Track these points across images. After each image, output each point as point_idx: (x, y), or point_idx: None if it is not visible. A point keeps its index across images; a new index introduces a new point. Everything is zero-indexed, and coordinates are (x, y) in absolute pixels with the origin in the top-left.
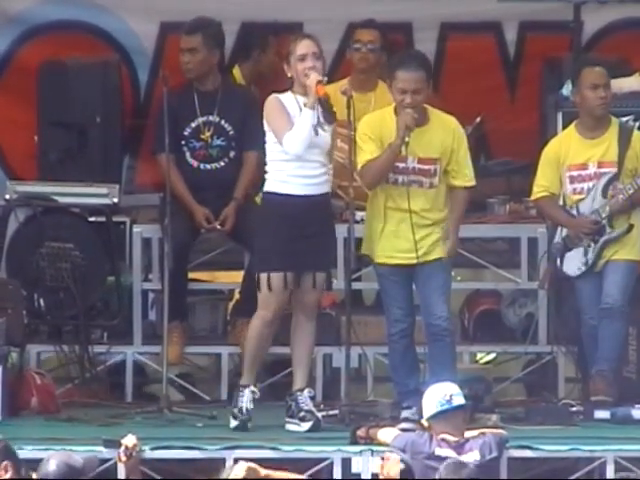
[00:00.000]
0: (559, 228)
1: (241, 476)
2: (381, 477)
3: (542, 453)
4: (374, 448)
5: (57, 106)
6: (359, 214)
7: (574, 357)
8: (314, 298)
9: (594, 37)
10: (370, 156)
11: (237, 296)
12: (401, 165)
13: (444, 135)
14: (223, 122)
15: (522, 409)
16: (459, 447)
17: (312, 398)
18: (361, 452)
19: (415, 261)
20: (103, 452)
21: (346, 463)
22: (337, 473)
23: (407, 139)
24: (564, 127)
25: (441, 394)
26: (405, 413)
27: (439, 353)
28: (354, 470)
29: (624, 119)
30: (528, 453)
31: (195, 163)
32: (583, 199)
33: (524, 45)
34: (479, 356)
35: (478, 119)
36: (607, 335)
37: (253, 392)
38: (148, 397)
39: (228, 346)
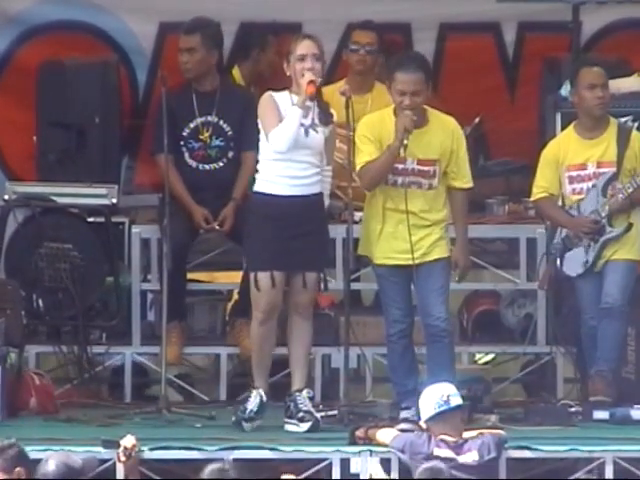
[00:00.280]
0: (559, 229)
1: None
2: None
3: (541, 453)
4: (373, 449)
5: (56, 106)
6: (358, 214)
7: (573, 357)
8: (306, 298)
9: (593, 37)
10: (369, 157)
11: (236, 296)
12: (400, 166)
13: (443, 136)
14: (222, 122)
15: (521, 409)
16: (458, 447)
17: (311, 399)
18: (360, 453)
19: (413, 262)
20: (102, 452)
21: (345, 464)
22: (336, 473)
23: (405, 141)
24: (563, 127)
25: (438, 395)
26: (404, 414)
27: (438, 354)
28: (353, 470)
29: (623, 119)
30: (527, 453)
31: (194, 163)
32: (582, 199)
33: (523, 45)
34: (478, 356)
35: (477, 119)
36: (607, 335)
37: (261, 396)
38: (149, 398)
39: (227, 346)
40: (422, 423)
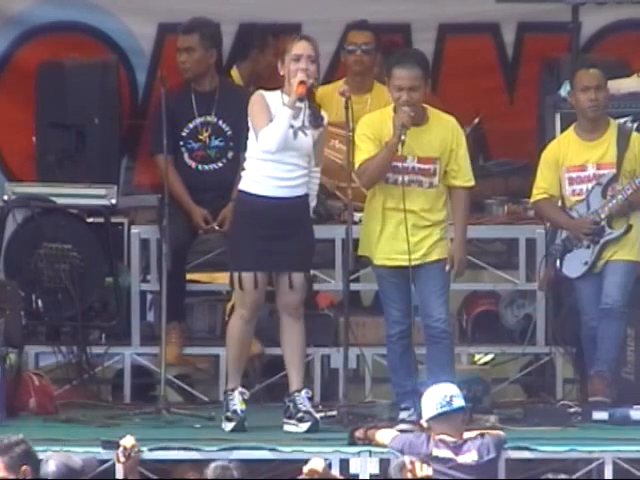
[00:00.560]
0: (559, 230)
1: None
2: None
3: (540, 454)
4: (372, 449)
5: (55, 107)
6: (357, 215)
7: (572, 358)
8: (294, 299)
9: (592, 38)
10: (367, 155)
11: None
12: (400, 165)
13: (444, 134)
14: (221, 123)
15: (520, 410)
16: (457, 448)
17: (310, 399)
18: (359, 453)
19: (414, 263)
20: (101, 453)
21: (344, 464)
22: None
23: (403, 137)
24: (562, 128)
25: (441, 395)
26: (403, 414)
27: (438, 355)
28: (352, 471)
29: (623, 120)
30: (526, 454)
31: (193, 164)
32: (582, 200)
33: (522, 46)
34: (477, 357)
35: (476, 120)
36: (606, 336)
37: (242, 393)
38: (153, 399)
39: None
40: (423, 422)
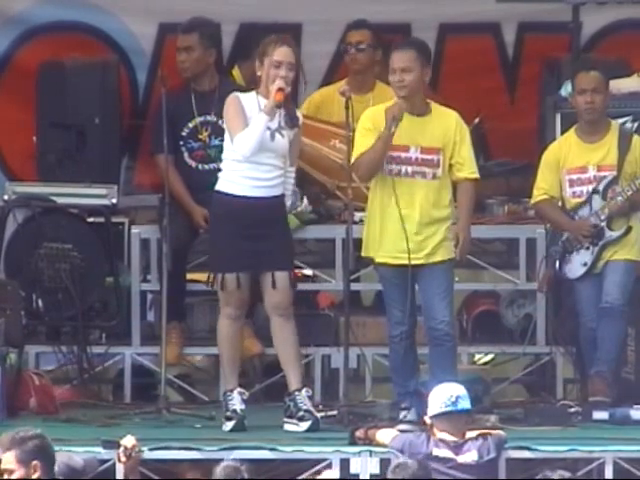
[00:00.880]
0: (561, 233)
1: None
2: None
3: (540, 454)
4: (372, 449)
5: (56, 107)
6: (358, 215)
7: (572, 358)
8: (281, 298)
9: (593, 38)
10: (363, 149)
11: None
12: (404, 155)
13: (446, 126)
14: (221, 122)
15: (521, 410)
16: (457, 448)
17: (310, 397)
18: (360, 453)
19: (417, 262)
20: (102, 453)
21: (345, 464)
22: (336, 474)
23: (394, 129)
24: (563, 128)
25: (447, 395)
26: (403, 414)
27: (440, 357)
28: (353, 471)
29: (623, 120)
30: (526, 454)
31: (193, 163)
32: (583, 202)
33: (523, 46)
34: (477, 357)
35: (477, 120)
36: (606, 335)
37: (241, 393)
38: (154, 398)
39: None
40: (427, 418)
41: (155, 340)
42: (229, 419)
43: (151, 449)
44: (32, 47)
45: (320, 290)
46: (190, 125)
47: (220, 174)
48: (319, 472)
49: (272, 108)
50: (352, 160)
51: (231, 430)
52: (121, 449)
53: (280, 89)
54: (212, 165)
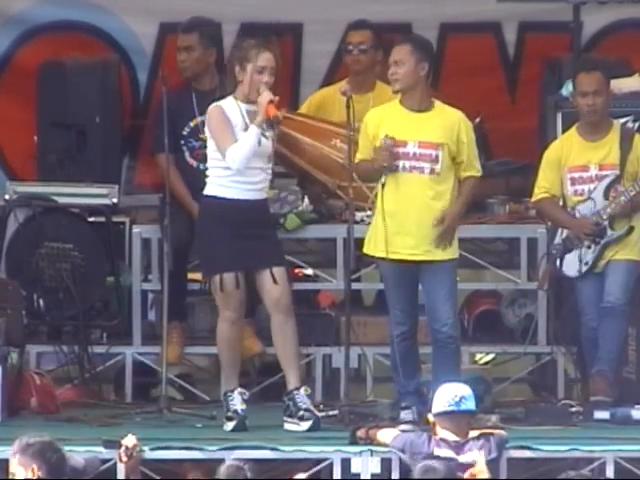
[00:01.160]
0: (559, 229)
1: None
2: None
3: (541, 453)
4: (374, 448)
5: (57, 106)
6: (359, 214)
7: (573, 358)
8: (281, 294)
9: (594, 37)
10: (361, 156)
11: None
12: (402, 150)
13: (448, 123)
14: None
15: (522, 409)
16: (458, 447)
17: (309, 396)
18: (361, 452)
19: (419, 258)
20: (103, 452)
21: (346, 463)
22: (337, 473)
23: (383, 180)
24: (563, 128)
25: (452, 394)
26: (403, 414)
27: (443, 359)
28: (354, 470)
29: (623, 119)
30: (528, 453)
31: (194, 163)
32: (584, 201)
33: (524, 46)
34: (478, 356)
35: (478, 119)
36: (608, 334)
37: (242, 393)
38: (152, 398)
39: None
40: (430, 415)
41: (156, 340)
42: (230, 419)
43: (152, 449)
44: (33, 47)
45: (321, 290)
46: (191, 124)
47: (208, 179)
48: (320, 472)
49: (264, 121)
50: (355, 161)
51: (232, 430)
52: (122, 449)
53: (271, 101)
54: None
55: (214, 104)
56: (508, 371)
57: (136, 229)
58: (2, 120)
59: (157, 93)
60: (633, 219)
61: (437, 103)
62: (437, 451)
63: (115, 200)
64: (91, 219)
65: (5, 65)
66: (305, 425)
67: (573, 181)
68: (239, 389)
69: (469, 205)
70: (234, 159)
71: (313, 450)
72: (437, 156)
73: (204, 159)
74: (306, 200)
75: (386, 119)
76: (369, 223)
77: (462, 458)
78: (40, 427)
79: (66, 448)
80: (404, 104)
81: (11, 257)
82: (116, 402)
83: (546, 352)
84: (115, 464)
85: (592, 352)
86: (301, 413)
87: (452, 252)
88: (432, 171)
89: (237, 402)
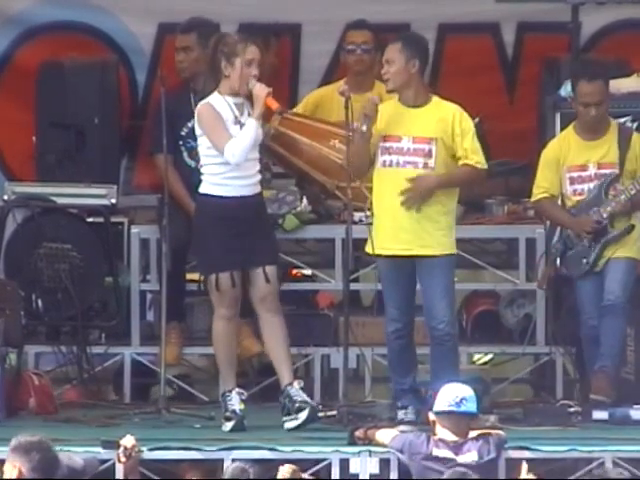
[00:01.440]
0: (558, 228)
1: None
2: None
3: (540, 454)
4: (372, 449)
5: (55, 107)
6: (357, 215)
7: (572, 358)
8: (271, 292)
9: (592, 38)
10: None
11: None
12: (396, 145)
13: (442, 116)
14: None
15: (520, 410)
16: (457, 448)
17: (302, 389)
18: (359, 453)
19: (413, 252)
20: (101, 453)
21: (344, 464)
22: (335, 474)
23: (364, 127)
24: (562, 128)
25: (453, 395)
26: (401, 414)
27: (441, 357)
28: (352, 471)
29: (622, 120)
30: (526, 454)
31: (193, 163)
32: (584, 200)
33: (522, 46)
34: (476, 357)
35: (476, 120)
36: (609, 332)
37: (240, 393)
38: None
39: None
40: (430, 414)
41: (155, 340)
42: (228, 419)
43: (151, 449)
44: (32, 47)
45: (319, 290)
46: (189, 125)
47: (202, 177)
48: (318, 472)
49: (261, 114)
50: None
51: (231, 430)
52: (121, 449)
53: (269, 93)
54: None
55: (202, 102)
56: (507, 371)
57: (134, 229)
58: (1, 120)
59: (156, 93)
60: (633, 217)
61: (434, 98)
62: (436, 451)
63: (114, 200)
64: (90, 219)
65: (4, 65)
66: (303, 415)
67: (572, 180)
68: (237, 389)
69: (451, 183)
70: (234, 153)
71: (311, 450)
72: (430, 150)
73: None
74: (304, 200)
75: (383, 114)
76: (368, 223)
77: (461, 459)
78: (39, 427)
79: (65, 449)
80: (401, 100)
81: (10, 257)
82: (115, 402)
83: (545, 352)
84: (114, 464)
85: (592, 350)
86: (297, 405)
87: (448, 248)
88: (426, 165)
89: (235, 402)
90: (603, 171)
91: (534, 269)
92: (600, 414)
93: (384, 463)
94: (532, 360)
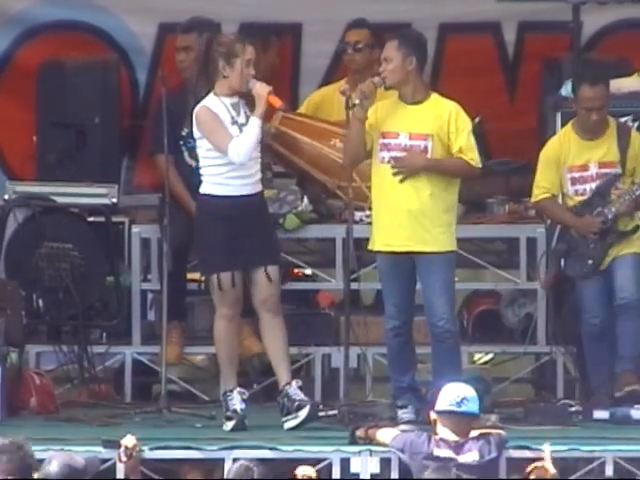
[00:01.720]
0: (557, 228)
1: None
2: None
3: (541, 453)
4: (373, 448)
5: (56, 106)
6: (358, 214)
7: (573, 357)
8: (272, 293)
9: (593, 37)
10: None
11: None
12: (393, 142)
13: (438, 112)
14: None
15: (521, 409)
16: (458, 447)
17: (300, 388)
18: (360, 452)
19: (412, 249)
20: (102, 452)
21: (345, 463)
22: (336, 473)
23: (357, 101)
24: (562, 127)
25: (454, 394)
26: (401, 413)
27: (442, 354)
28: (353, 470)
29: (623, 119)
30: (527, 453)
31: (193, 163)
32: (585, 200)
33: (523, 45)
34: (477, 356)
35: (477, 119)
36: (627, 331)
37: (241, 393)
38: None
39: None
40: (432, 413)
41: (156, 340)
42: (229, 419)
43: (151, 449)
44: (32, 46)
45: (320, 290)
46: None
47: (203, 178)
48: (319, 472)
49: (263, 113)
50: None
51: (231, 430)
52: (122, 449)
53: (270, 92)
54: None
55: (199, 105)
56: (508, 371)
57: (135, 229)
58: (1, 120)
59: (156, 93)
60: (636, 217)
61: (433, 95)
62: (437, 451)
63: (114, 200)
64: (90, 219)
65: (5, 65)
66: (303, 413)
67: (574, 181)
68: (238, 389)
69: (441, 169)
70: (238, 152)
71: (312, 450)
72: (426, 147)
73: None
74: (305, 200)
75: (384, 111)
76: (368, 223)
77: (462, 458)
78: (40, 427)
79: (66, 448)
80: (400, 97)
81: (10, 257)
82: (115, 402)
83: (546, 352)
84: (114, 464)
85: (593, 349)
86: (297, 404)
87: (447, 245)
88: None
89: (236, 402)
90: (605, 170)
91: (535, 269)
92: (601, 414)
93: (385, 463)
94: (533, 360)
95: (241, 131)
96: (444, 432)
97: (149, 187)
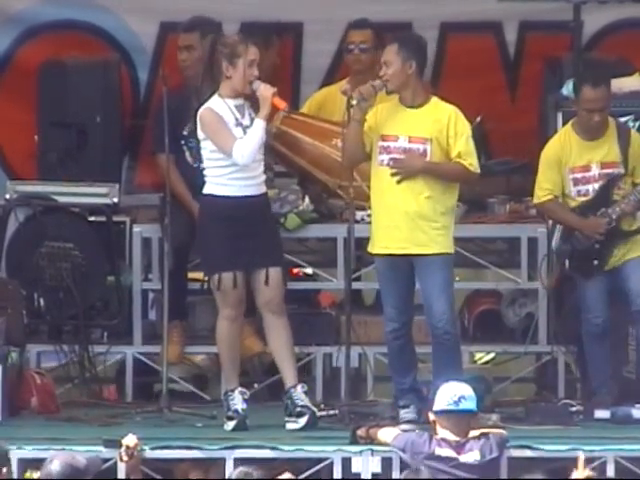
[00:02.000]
0: (557, 228)
1: None
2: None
3: (542, 453)
4: (374, 448)
5: (57, 106)
6: (359, 214)
7: (574, 357)
8: (275, 295)
9: (594, 37)
10: None
11: None
12: (393, 145)
13: (438, 116)
14: None
15: (522, 409)
16: (459, 447)
17: (305, 393)
18: (361, 452)
19: (410, 251)
20: (103, 452)
21: (346, 463)
22: (337, 473)
23: (354, 102)
24: (562, 127)
25: (452, 393)
26: (403, 413)
27: (442, 355)
28: (354, 470)
29: (624, 119)
30: (528, 453)
31: (194, 162)
32: (588, 201)
33: (524, 45)
34: (478, 356)
35: (478, 119)
36: None
37: (242, 392)
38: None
39: None
40: (430, 413)
41: (157, 339)
42: (231, 419)
43: (152, 448)
44: (33, 46)
45: (321, 289)
46: (191, 124)
47: (206, 179)
48: (320, 471)
49: (267, 114)
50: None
51: (233, 430)
52: (123, 448)
53: (274, 93)
54: None
55: (203, 107)
56: (509, 370)
57: (136, 228)
58: (2, 119)
59: (158, 92)
60: (638, 217)
61: (433, 99)
62: (438, 451)
63: (115, 199)
64: (91, 218)
65: (5, 64)
66: (302, 421)
67: (576, 182)
68: (240, 388)
69: (439, 173)
70: (243, 154)
71: (313, 449)
72: (425, 150)
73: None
74: (306, 200)
75: (384, 114)
76: (369, 222)
77: (463, 458)
78: (40, 427)
79: (67, 448)
80: (400, 100)
81: (11, 256)
82: (116, 401)
83: (546, 351)
84: (116, 463)
85: (594, 349)
86: (298, 410)
87: (445, 247)
88: None
89: (238, 401)
90: (607, 171)
91: (536, 268)
92: (602, 413)
93: (386, 462)
94: (534, 359)
95: (245, 133)
96: (444, 433)
97: (150, 186)
